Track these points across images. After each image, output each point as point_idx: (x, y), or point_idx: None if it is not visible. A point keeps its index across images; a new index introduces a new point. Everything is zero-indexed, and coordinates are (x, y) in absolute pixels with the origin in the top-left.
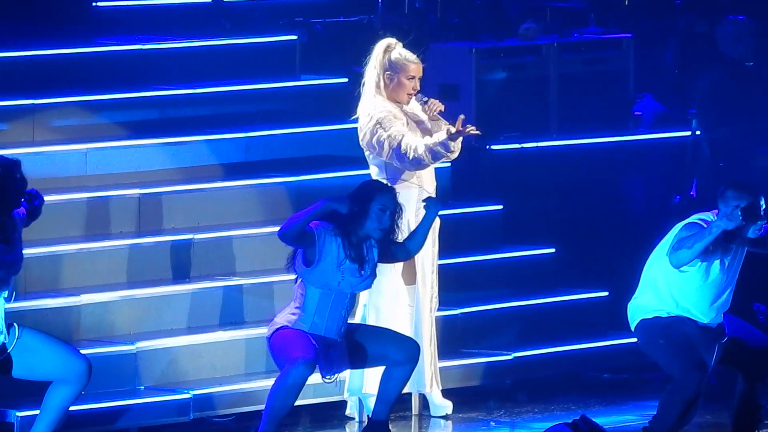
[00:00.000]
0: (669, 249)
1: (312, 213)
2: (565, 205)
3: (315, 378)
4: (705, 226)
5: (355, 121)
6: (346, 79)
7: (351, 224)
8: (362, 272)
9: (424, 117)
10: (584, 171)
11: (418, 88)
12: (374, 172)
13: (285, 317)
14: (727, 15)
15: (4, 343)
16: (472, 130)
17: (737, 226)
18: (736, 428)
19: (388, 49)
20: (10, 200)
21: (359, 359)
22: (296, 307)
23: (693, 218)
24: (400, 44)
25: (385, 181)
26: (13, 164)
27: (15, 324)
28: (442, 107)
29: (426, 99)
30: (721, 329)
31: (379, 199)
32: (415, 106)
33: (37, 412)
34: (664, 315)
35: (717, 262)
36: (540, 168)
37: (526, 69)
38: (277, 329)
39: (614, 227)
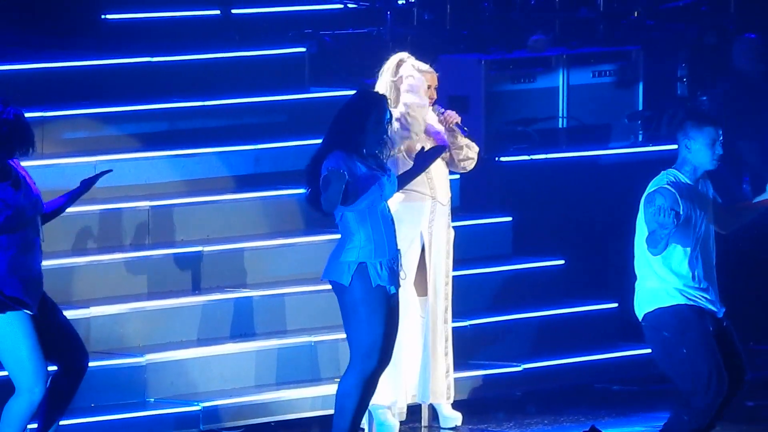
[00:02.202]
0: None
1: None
2: (574, 216)
3: (325, 389)
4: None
5: None
6: (355, 92)
7: (355, 143)
8: (387, 176)
9: (440, 128)
10: (593, 182)
11: (435, 96)
12: None
13: (353, 253)
14: (736, 27)
15: None
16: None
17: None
18: None
19: (400, 64)
20: (14, 146)
21: None
22: (359, 239)
23: (658, 193)
24: (412, 57)
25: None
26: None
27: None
28: (458, 119)
29: (443, 110)
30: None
31: (374, 112)
32: (431, 118)
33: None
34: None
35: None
36: (549, 179)
37: (535, 80)
38: (353, 274)
39: (623, 238)
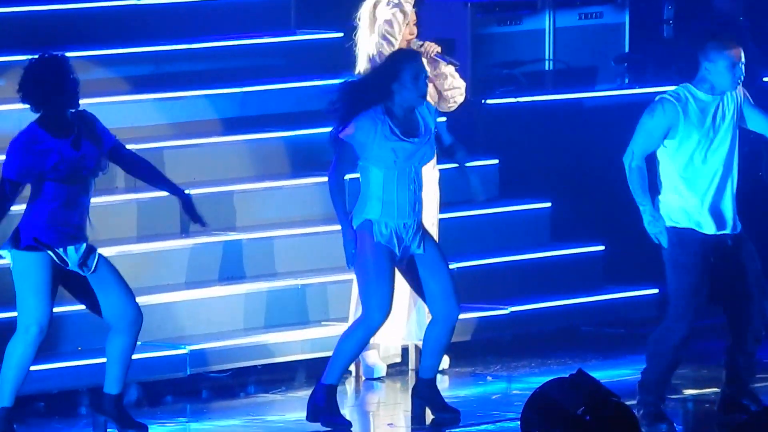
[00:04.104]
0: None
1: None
2: (561, 159)
3: (313, 332)
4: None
5: (350, 74)
6: (341, 34)
7: (388, 99)
8: (420, 140)
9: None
10: (580, 125)
11: (415, 32)
12: None
13: (360, 210)
14: None
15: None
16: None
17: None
18: (729, 380)
19: (375, 6)
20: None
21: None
22: (364, 197)
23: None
24: None
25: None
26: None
27: (96, 252)
28: (438, 48)
29: (421, 43)
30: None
31: (409, 66)
32: None
33: None
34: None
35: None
36: (535, 122)
37: (521, 23)
38: (357, 229)
39: (610, 181)
